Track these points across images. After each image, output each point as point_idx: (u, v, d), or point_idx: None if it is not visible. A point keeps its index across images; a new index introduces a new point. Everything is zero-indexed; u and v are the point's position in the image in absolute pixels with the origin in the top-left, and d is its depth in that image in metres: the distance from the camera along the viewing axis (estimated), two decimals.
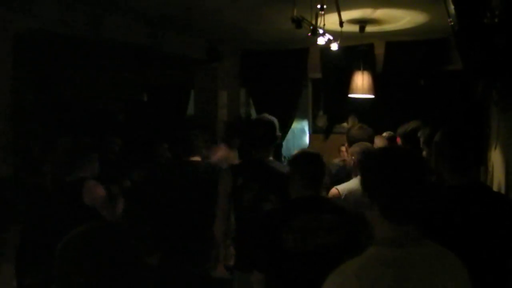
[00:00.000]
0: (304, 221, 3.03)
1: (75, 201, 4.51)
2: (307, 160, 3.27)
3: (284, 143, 9.26)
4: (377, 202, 1.87)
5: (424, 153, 3.76)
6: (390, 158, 1.92)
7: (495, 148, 4.54)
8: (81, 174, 4.68)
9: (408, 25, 7.00)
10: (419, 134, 3.84)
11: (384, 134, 5.80)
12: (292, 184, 3.25)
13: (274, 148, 4.09)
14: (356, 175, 4.32)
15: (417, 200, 1.83)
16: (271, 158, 4.01)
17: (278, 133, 4.03)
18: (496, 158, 4.49)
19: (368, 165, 1.98)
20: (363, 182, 1.97)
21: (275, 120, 4.03)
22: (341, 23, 5.34)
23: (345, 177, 4.63)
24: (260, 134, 3.94)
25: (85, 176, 4.68)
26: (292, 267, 3.01)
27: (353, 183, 4.26)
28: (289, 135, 9.55)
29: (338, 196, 4.18)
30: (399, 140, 5.35)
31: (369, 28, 6.92)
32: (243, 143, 7.27)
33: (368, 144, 4.55)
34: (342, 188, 4.24)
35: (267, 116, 4.07)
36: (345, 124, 8.62)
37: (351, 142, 4.82)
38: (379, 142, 5.38)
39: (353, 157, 4.43)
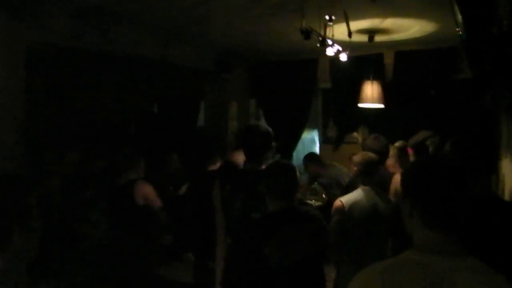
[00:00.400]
0: (286, 233, 3.03)
1: (129, 202, 4.96)
2: (278, 171, 3.28)
3: (294, 154, 9.26)
4: (418, 209, 1.86)
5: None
6: (433, 166, 1.91)
7: (506, 157, 4.53)
8: (130, 177, 5.15)
9: (417, 34, 7.00)
10: (428, 143, 3.84)
11: (396, 144, 5.78)
12: (267, 196, 3.25)
13: (268, 157, 3.97)
14: (359, 186, 4.35)
15: (458, 208, 1.83)
16: (263, 167, 3.84)
17: (274, 143, 3.96)
18: (507, 167, 4.48)
19: (411, 173, 1.98)
20: (404, 190, 1.96)
21: (270, 130, 3.98)
22: (349, 34, 5.35)
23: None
24: (257, 143, 3.85)
25: (134, 178, 5.15)
26: (280, 282, 3.01)
27: (358, 194, 4.26)
28: (299, 145, 9.54)
29: (342, 208, 4.19)
30: (410, 151, 5.34)
31: (378, 38, 6.93)
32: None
33: (371, 154, 4.54)
34: (346, 199, 4.24)
35: (263, 125, 4.06)
36: (355, 134, 8.62)
37: None
38: (390, 151, 5.37)
39: (355, 167, 4.44)
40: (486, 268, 1.80)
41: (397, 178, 4.85)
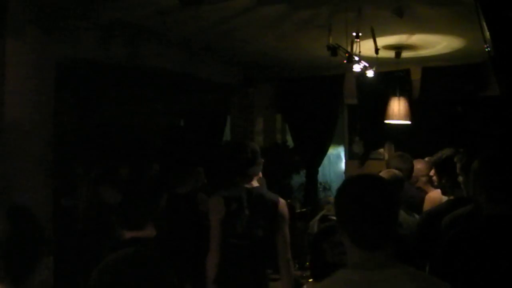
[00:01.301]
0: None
1: (193, 210, 5.29)
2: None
3: (320, 169, 9.24)
4: (345, 230, 1.92)
5: (461, 179, 3.70)
6: (358, 186, 1.96)
7: None
8: (191, 186, 5.56)
9: (444, 50, 6.96)
10: (455, 160, 3.79)
11: (426, 159, 5.69)
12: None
13: (256, 174, 4.12)
14: None
15: (384, 227, 1.87)
16: (257, 184, 4.09)
17: (261, 159, 4.09)
18: None
19: (338, 193, 2.01)
20: (335, 209, 2.01)
21: (257, 146, 4.18)
22: (376, 51, 5.35)
23: None
24: (244, 160, 3.99)
25: (194, 187, 5.57)
26: None
27: None
28: (325, 161, 9.52)
29: None
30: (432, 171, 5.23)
31: (405, 54, 6.91)
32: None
33: (395, 171, 4.47)
34: None
35: (249, 141, 4.21)
36: (381, 150, 8.57)
37: None
38: (421, 166, 5.27)
39: None
40: (420, 274, 1.92)
41: (432, 197, 4.73)
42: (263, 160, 4.14)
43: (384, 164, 5.66)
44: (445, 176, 4.09)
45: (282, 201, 4.11)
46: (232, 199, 3.96)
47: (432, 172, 4.62)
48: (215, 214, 3.98)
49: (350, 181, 2.09)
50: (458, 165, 3.73)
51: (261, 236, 3.94)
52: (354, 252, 1.90)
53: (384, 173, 4.37)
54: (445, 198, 4.13)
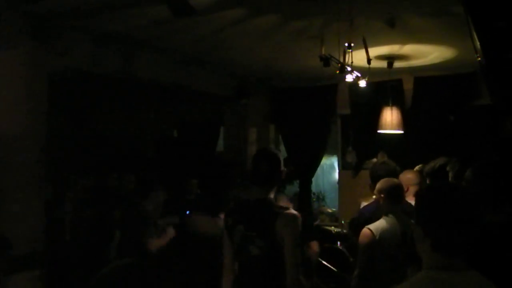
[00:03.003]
0: None
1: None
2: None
3: (313, 179, 9.24)
4: (429, 236, 1.97)
5: None
6: (444, 195, 2.01)
7: None
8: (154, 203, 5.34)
9: (436, 60, 7.00)
10: (448, 169, 3.80)
11: (416, 168, 5.70)
12: None
13: (278, 184, 3.72)
14: (386, 214, 4.17)
15: (467, 236, 1.95)
16: (272, 196, 3.59)
17: (283, 168, 3.66)
18: None
19: (424, 201, 2.07)
20: (417, 216, 2.06)
21: (279, 154, 3.73)
22: (369, 61, 5.37)
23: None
24: (263, 169, 3.57)
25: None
26: None
27: (385, 222, 4.12)
28: (319, 171, 9.53)
29: (372, 237, 4.01)
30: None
31: (397, 64, 6.95)
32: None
33: (395, 180, 4.40)
34: (375, 227, 4.06)
35: (271, 149, 3.93)
36: (374, 160, 8.59)
37: (374, 178, 4.70)
38: (411, 175, 5.25)
39: (381, 195, 4.21)
40: (489, 283, 1.98)
41: None
42: (285, 169, 3.71)
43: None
44: None
45: (286, 214, 3.44)
46: (231, 213, 3.66)
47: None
48: (222, 230, 3.70)
49: (433, 190, 2.15)
50: (450, 174, 3.74)
51: (256, 254, 3.46)
52: (433, 256, 1.97)
53: (384, 182, 4.28)
54: None
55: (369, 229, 4.05)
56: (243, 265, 3.57)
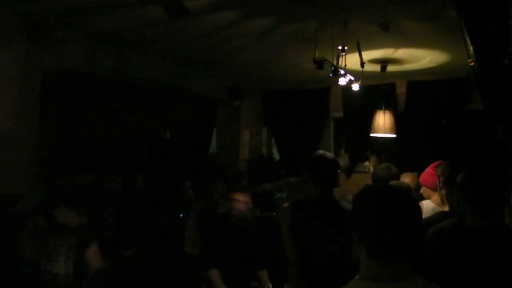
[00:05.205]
0: None
1: None
2: None
3: None
4: (364, 241, 1.85)
5: (444, 192, 3.70)
6: (377, 198, 1.88)
7: None
8: None
9: (429, 65, 7.03)
10: (438, 174, 3.79)
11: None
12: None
13: (337, 185, 3.94)
14: None
15: (403, 241, 1.80)
16: (333, 195, 3.86)
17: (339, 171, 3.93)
18: None
19: (356, 205, 1.94)
20: (352, 221, 1.92)
21: (337, 158, 4.00)
22: (362, 64, 5.38)
23: None
24: (325, 171, 3.78)
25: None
26: None
27: None
28: None
29: None
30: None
31: (390, 68, 6.96)
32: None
33: (402, 183, 4.40)
34: None
35: (329, 154, 3.98)
36: (367, 163, 8.60)
37: (375, 182, 4.73)
38: (408, 180, 5.24)
39: None
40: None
41: (424, 206, 4.67)
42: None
43: (370, 176, 5.64)
44: None
45: None
46: (302, 209, 3.69)
47: (422, 190, 4.59)
48: (283, 224, 3.70)
49: (367, 192, 2.00)
50: (441, 178, 3.73)
51: (336, 251, 3.56)
52: (370, 264, 1.83)
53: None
54: (438, 208, 4.10)
55: None
56: (320, 263, 3.56)
